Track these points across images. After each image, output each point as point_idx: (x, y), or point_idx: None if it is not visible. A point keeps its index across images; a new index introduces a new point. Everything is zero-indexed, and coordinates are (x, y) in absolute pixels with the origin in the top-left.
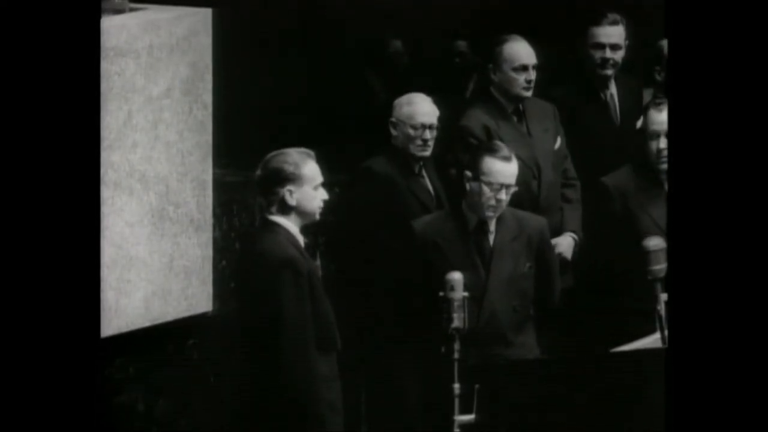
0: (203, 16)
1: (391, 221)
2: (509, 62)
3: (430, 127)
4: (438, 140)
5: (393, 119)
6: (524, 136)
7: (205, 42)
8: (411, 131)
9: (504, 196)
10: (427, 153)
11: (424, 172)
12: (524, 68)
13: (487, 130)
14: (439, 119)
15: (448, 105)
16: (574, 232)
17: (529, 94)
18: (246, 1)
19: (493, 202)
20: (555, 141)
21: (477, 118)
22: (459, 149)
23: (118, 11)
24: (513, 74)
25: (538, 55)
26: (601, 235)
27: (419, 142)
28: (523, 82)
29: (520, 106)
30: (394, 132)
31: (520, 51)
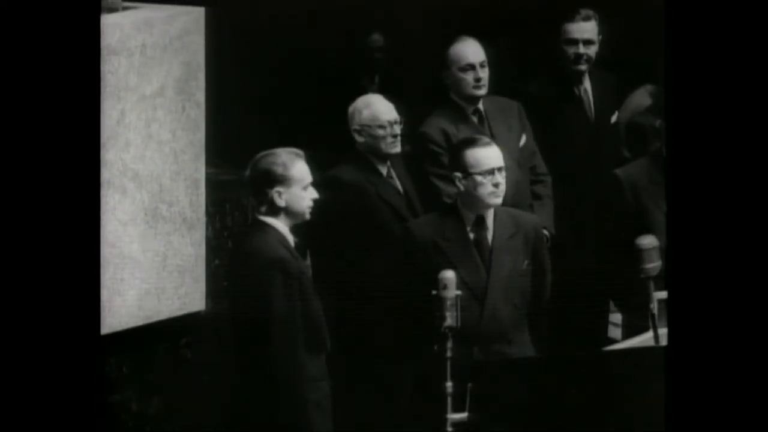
0: (196, 15)
1: (362, 230)
2: (456, 63)
3: (396, 122)
4: (404, 136)
5: (356, 127)
6: (486, 137)
7: (198, 41)
8: (380, 131)
9: (500, 178)
10: (399, 148)
11: (392, 173)
12: (471, 67)
13: (445, 134)
14: (405, 114)
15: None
16: (545, 228)
17: (481, 92)
18: (239, 1)
19: (491, 188)
20: (519, 139)
21: (435, 124)
22: (423, 156)
23: (112, 10)
24: (461, 74)
25: (495, 52)
26: (613, 227)
27: (390, 139)
28: (472, 81)
29: (480, 107)
30: (360, 139)
31: (465, 50)
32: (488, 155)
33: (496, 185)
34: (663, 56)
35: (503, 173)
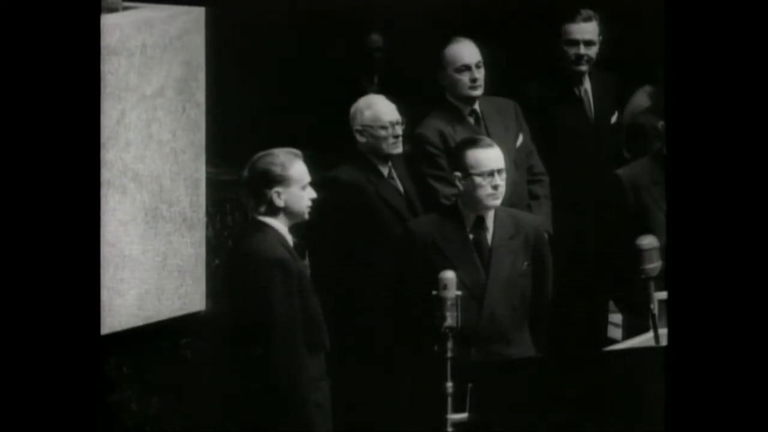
0: (196, 15)
1: (362, 230)
2: (451, 64)
3: (398, 122)
4: (405, 137)
5: (357, 127)
6: (487, 138)
7: (198, 41)
8: (382, 132)
9: (499, 180)
10: (400, 149)
11: (393, 173)
12: (467, 68)
13: (442, 135)
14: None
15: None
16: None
17: (477, 93)
18: (239, 1)
19: (490, 190)
20: (516, 139)
21: (432, 125)
22: (419, 158)
23: (112, 10)
24: (457, 75)
25: (495, 52)
26: (613, 227)
27: (392, 139)
28: (467, 82)
29: (477, 107)
30: (361, 139)
31: (461, 51)
32: (489, 157)
33: (495, 187)
34: (663, 56)
35: (503, 175)
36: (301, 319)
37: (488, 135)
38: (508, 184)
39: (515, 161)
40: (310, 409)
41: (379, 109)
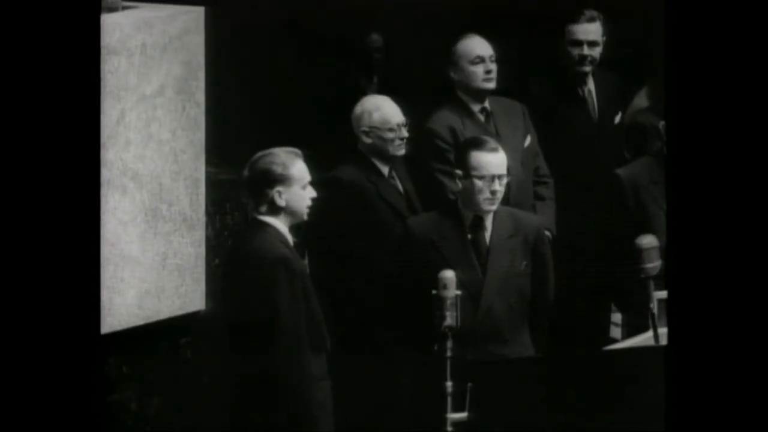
0: (196, 14)
1: (362, 229)
2: (465, 57)
3: (405, 124)
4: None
5: (364, 128)
6: (491, 136)
7: (197, 40)
8: (389, 134)
9: (498, 186)
10: (404, 150)
11: (394, 174)
12: (481, 59)
13: (452, 131)
14: (410, 117)
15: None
16: (547, 229)
17: (491, 85)
18: (239, 1)
19: (488, 194)
20: (524, 139)
21: (442, 120)
22: (428, 152)
23: (112, 10)
24: (471, 67)
25: (498, 53)
26: (613, 227)
27: (398, 141)
28: (482, 74)
29: (487, 106)
30: (367, 140)
31: (474, 44)
32: (491, 161)
33: (493, 193)
34: (663, 56)
35: (503, 181)
36: (305, 319)
37: (497, 133)
38: (514, 184)
39: (522, 161)
40: (312, 409)
41: (387, 111)
